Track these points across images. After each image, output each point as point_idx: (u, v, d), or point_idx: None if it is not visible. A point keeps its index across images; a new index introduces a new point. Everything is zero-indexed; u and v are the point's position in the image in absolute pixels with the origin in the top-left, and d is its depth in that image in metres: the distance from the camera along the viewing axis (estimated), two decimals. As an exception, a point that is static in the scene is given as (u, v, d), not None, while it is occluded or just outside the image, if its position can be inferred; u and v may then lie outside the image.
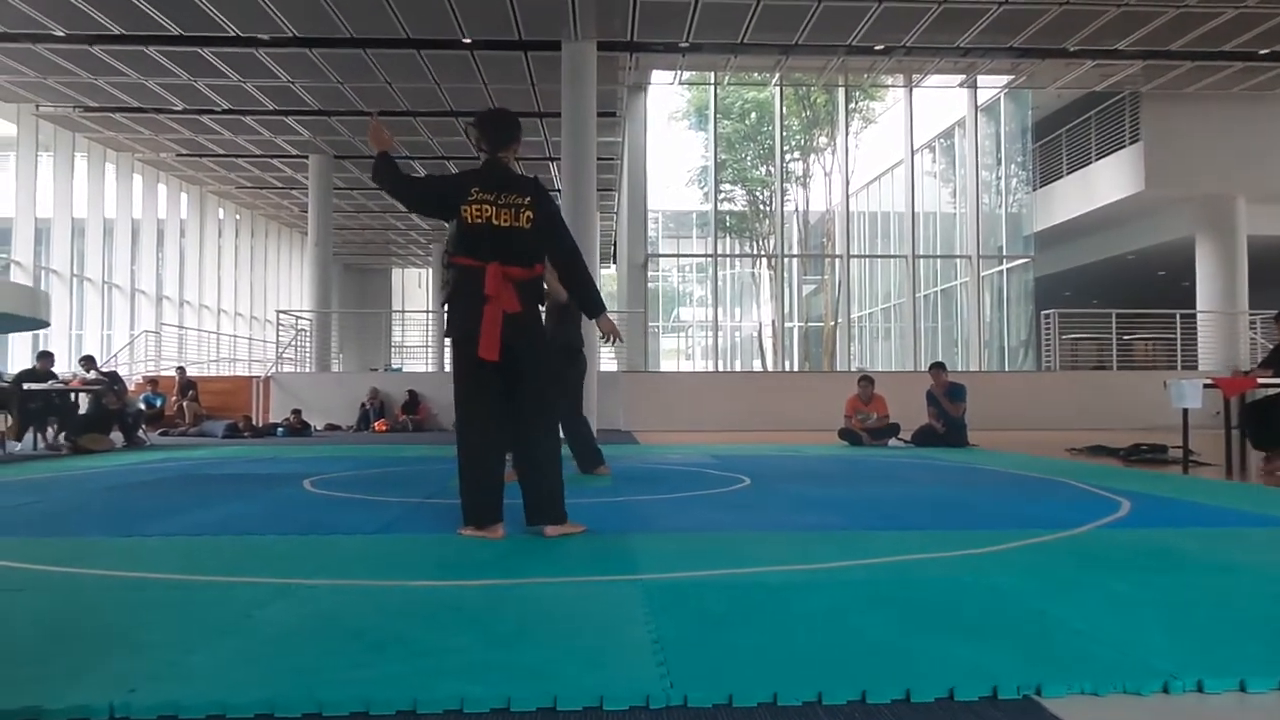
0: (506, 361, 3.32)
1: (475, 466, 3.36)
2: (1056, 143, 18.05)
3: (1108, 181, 16.28)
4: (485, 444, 3.38)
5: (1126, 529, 3.63)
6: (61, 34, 11.35)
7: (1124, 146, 15.87)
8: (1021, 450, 8.79)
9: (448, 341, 3.43)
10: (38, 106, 14.46)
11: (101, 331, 17.09)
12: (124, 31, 11.31)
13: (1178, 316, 15.40)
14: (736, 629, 2.06)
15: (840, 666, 1.77)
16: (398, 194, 3.50)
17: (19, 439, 8.78)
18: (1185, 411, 6.52)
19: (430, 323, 18.74)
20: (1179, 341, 15.30)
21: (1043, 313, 15.85)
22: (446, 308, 3.41)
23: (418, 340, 18.62)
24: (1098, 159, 16.66)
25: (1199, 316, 15.66)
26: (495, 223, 3.32)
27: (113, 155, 17.18)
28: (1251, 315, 15.61)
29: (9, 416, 8.61)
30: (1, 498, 4.82)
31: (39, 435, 9.07)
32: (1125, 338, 16.23)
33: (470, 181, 3.38)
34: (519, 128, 3.59)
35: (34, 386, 8.77)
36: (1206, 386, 6.46)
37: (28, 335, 14.24)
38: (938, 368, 9.83)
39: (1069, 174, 17.61)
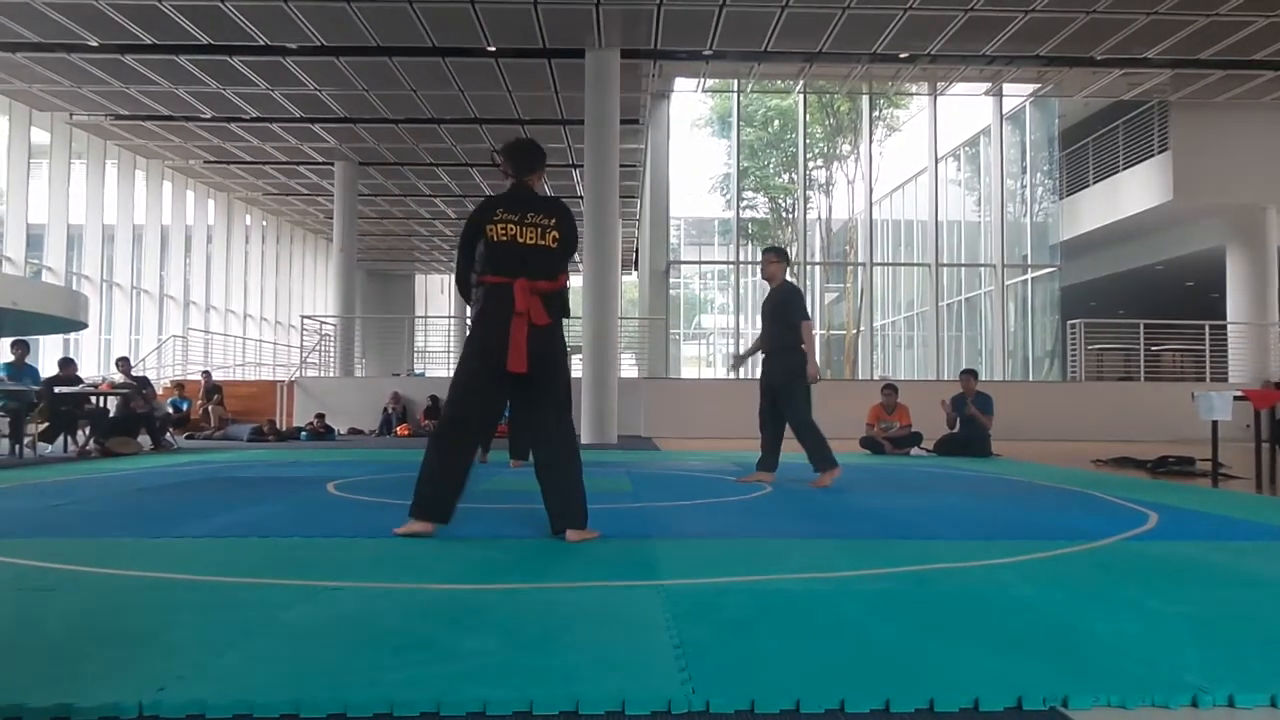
0: (528, 372, 3.39)
1: (449, 463, 3.44)
2: (1083, 151, 17.87)
3: (1135, 191, 16.10)
4: (467, 447, 3.49)
5: (1154, 541, 3.58)
6: (95, 44, 11.56)
7: (1152, 156, 15.68)
8: (1046, 461, 8.69)
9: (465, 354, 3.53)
10: (71, 115, 14.72)
11: (130, 336, 17.32)
12: (155, 41, 11.51)
13: (1207, 328, 15.17)
14: (759, 635, 2.06)
15: (863, 674, 1.76)
16: (460, 276, 3.63)
17: (50, 442, 8.91)
18: (1214, 424, 6.42)
19: (453, 328, 18.84)
20: (1208, 353, 15.08)
21: (1068, 323, 15.70)
22: (471, 323, 3.51)
23: (440, 345, 18.74)
24: (1125, 168, 16.47)
25: (1229, 328, 15.44)
26: (520, 240, 3.44)
27: (143, 162, 17.44)
28: (1283, 327, 15.38)
29: (39, 420, 8.73)
30: (33, 499, 4.89)
31: (69, 438, 9.20)
32: (1153, 349, 16.02)
33: (496, 204, 3.53)
34: (544, 156, 3.75)
35: (64, 390, 8.90)
36: (1236, 399, 6.36)
37: (58, 340, 14.47)
38: (969, 374, 9.76)
39: (1096, 183, 17.43)
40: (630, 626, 2.15)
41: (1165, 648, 1.98)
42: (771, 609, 2.34)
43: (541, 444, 3.53)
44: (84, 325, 8.81)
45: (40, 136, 14.85)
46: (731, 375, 12.58)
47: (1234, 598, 2.57)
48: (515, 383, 3.45)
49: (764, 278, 6.12)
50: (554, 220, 3.51)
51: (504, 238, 3.43)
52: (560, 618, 2.23)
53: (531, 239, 3.45)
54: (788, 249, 6.28)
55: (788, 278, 6.09)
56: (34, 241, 14.62)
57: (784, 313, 5.83)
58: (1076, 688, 1.67)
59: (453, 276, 3.47)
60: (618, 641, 2.01)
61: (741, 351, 7.11)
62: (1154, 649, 1.96)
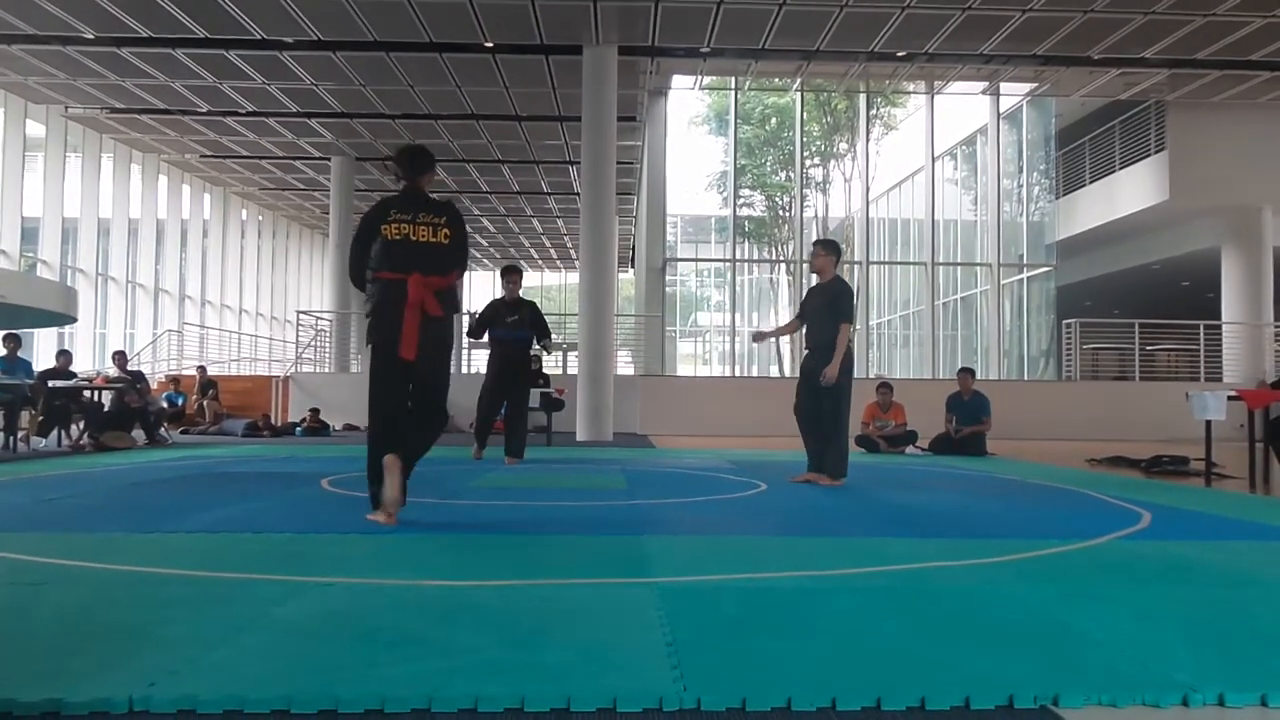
0: (418, 359, 3.66)
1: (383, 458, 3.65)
2: (1080, 151, 17.89)
3: (1132, 191, 16.11)
4: (398, 434, 3.70)
5: (1147, 541, 3.59)
6: (91, 36, 11.51)
7: (1149, 155, 15.69)
8: (1040, 460, 8.71)
9: (369, 347, 3.80)
10: (66, 108, 14.67)
11: (125, 330, 17.28)
12: (152, 34, 11.46)
13: (1201, 328, 15.21)
14: (751, 633, 2.06)
15: (855, 673, 1.76)
16: (354, 266, 3.82)
17: (44, 436, 8.88)
18: (1208, 424, 6.44)
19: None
20: (1202, 353, 15.11)
21: (1064, 322, 15.72)
22: (370, 319, 3.74)
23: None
24: (1121, 168, 16.49)
25: (1224, 328, 15.47)
26: (413, 238, 3.68)
27: (139, 156, 17.39)
28: (1277, 327, 15.41)
29: (34, 413, 8.70)
30: (26, 493, 4.88)
31: (63, 432, 9.18)
32: (1148, 348, 16.05)
33: (389, 205, 3.77)
34: (433, 161, 4.04)
35: (58, 384, 8.87)
36: (1230, 399, 6.37)
37: (53, 334, 14.43)
38: (966, 373, 9.77)
39: (1092, 183, 17.44)
40: (622, 624, 2.15)
41: (1157, 647, 1.98)
42: (764, 607, 2.34)
43: (417, 422, 3.78)
44: (73, 319, 8.79)
45: (35, 129, 14.79)
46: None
47: (1226, 597, 2.57)
48: (410, 367, 3.70)
49: (812, 270, 6.06)
50: (445, 219, 3.75)
51: (398, 236, 3.66)
52: (552, 615, 2.23)
53: (425, 236, 3.69)
54: (841, 244, 6.20)
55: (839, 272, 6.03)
56: (29, 235, 14.57)
57: (836, 309, 5.75)
58: (1067, 686, 1.67)
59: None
60: (610, 639, 2.01)
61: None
62: (1145, 648, 1.97)
